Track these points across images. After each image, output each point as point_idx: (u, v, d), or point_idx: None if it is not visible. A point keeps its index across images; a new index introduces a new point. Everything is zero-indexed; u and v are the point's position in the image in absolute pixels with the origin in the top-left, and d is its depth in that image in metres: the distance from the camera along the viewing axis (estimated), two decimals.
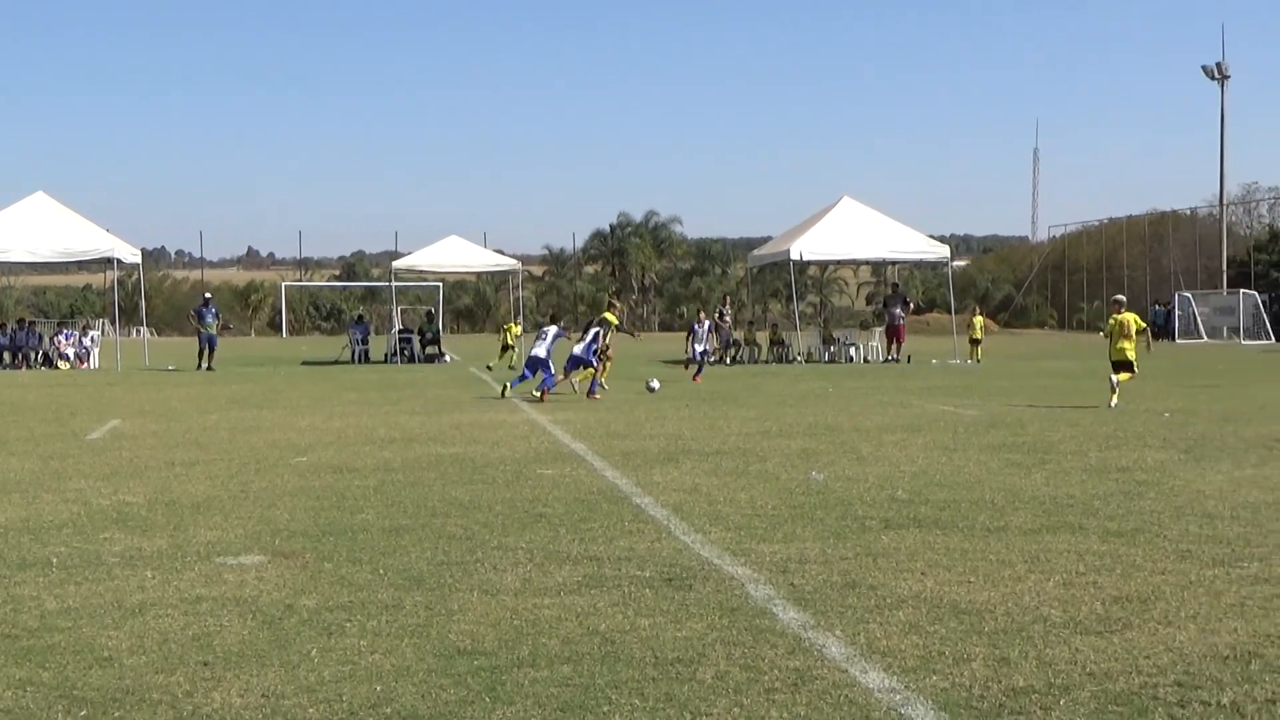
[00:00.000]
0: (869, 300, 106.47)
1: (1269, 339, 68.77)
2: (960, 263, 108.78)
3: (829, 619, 7.87)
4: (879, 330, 48.01)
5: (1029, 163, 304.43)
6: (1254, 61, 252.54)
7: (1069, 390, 29.01)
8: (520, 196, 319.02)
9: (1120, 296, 25.93)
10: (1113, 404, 23.51)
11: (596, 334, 27.25)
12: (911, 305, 50.82)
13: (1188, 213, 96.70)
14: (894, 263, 56.45)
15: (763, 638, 7.44)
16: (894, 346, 45.75)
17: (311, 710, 6.27)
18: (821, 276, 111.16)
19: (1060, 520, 11.31)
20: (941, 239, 52.98)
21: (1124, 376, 24.15)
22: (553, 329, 27.74)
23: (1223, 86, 78.79)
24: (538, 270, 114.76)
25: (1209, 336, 72.94)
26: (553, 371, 26.86)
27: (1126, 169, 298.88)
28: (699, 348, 34.71)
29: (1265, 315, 71.51)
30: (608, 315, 28.93)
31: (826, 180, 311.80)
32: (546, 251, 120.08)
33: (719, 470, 14.90)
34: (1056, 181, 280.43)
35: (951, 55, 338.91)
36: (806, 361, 45.85)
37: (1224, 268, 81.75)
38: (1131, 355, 24.22)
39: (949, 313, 57.76)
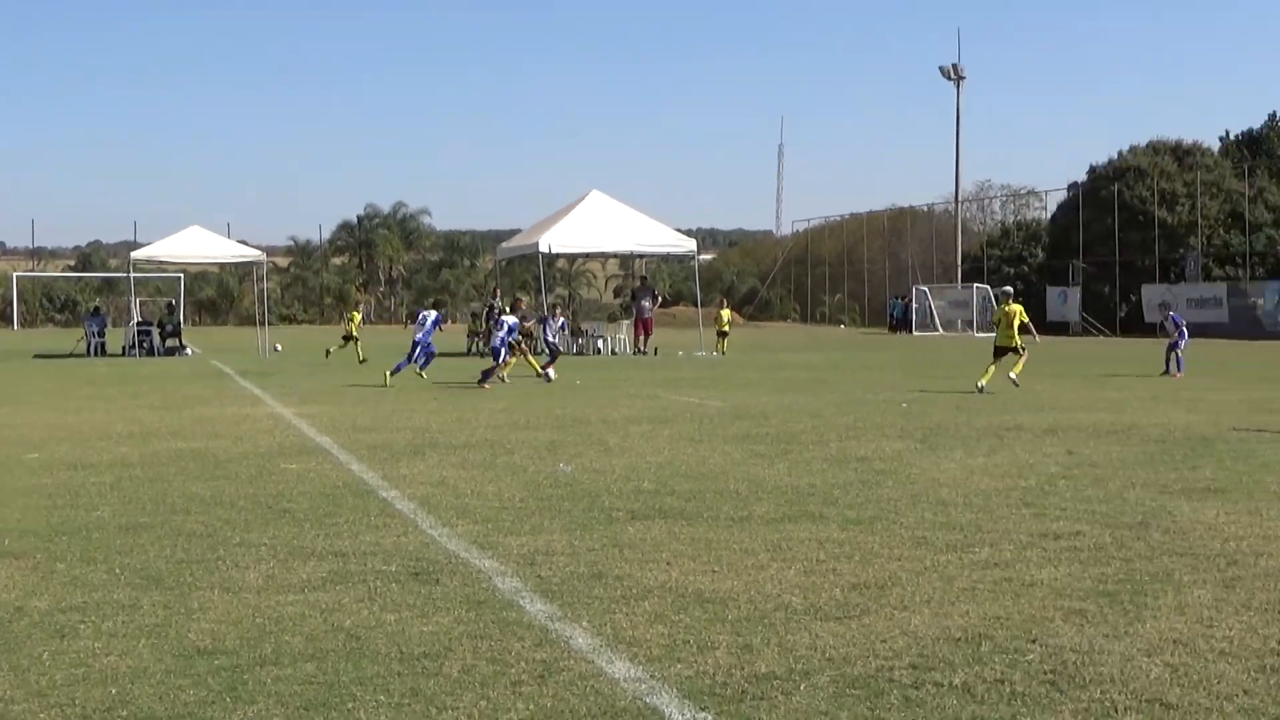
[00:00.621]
0: (617, 293, 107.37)
1: None
2: (707, 256, 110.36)
3: (575, 610, 7.90)
4: (627, 323, 48.37)
5: (774, 158, 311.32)
6: (988, 64, 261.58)
7: (813, 383, 29.67)
8: (265, 187, 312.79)
9: (1008, 288, 28.73)
10: (981, 386, 25.51)
11: (512, 326, 28.69)
12: (659, 298, 51.33)
13: (925, 209, 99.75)
14: (642, 256, 56.98)
15: (510, 630, 7.43)
16: (641, 339, 46.16)
17: (42, 715, 6.05)
18: (570, 269, 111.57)
19: (802, 509, 11.56)
20: (689, 232, 53.67)
21: (1002, 364, 26.32)
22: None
23: (958, 87, 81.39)
24: (283, 261, 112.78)
25: (944, 329, 75.36)
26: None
27: (869, 166, 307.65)
28: (552, 339, 34.42)
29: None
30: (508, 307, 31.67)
31: (575, 174, 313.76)
32: (292, 243, 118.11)
33: (466, 463, 14.85)
34: (801, 177, 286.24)
35: (697, 51, 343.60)
36: None
37: (958, 262, 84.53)
38: (1015, 342, 26.21)
39: (696, 305, 58.53)
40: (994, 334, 27.10)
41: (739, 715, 6.04)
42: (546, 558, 9.42)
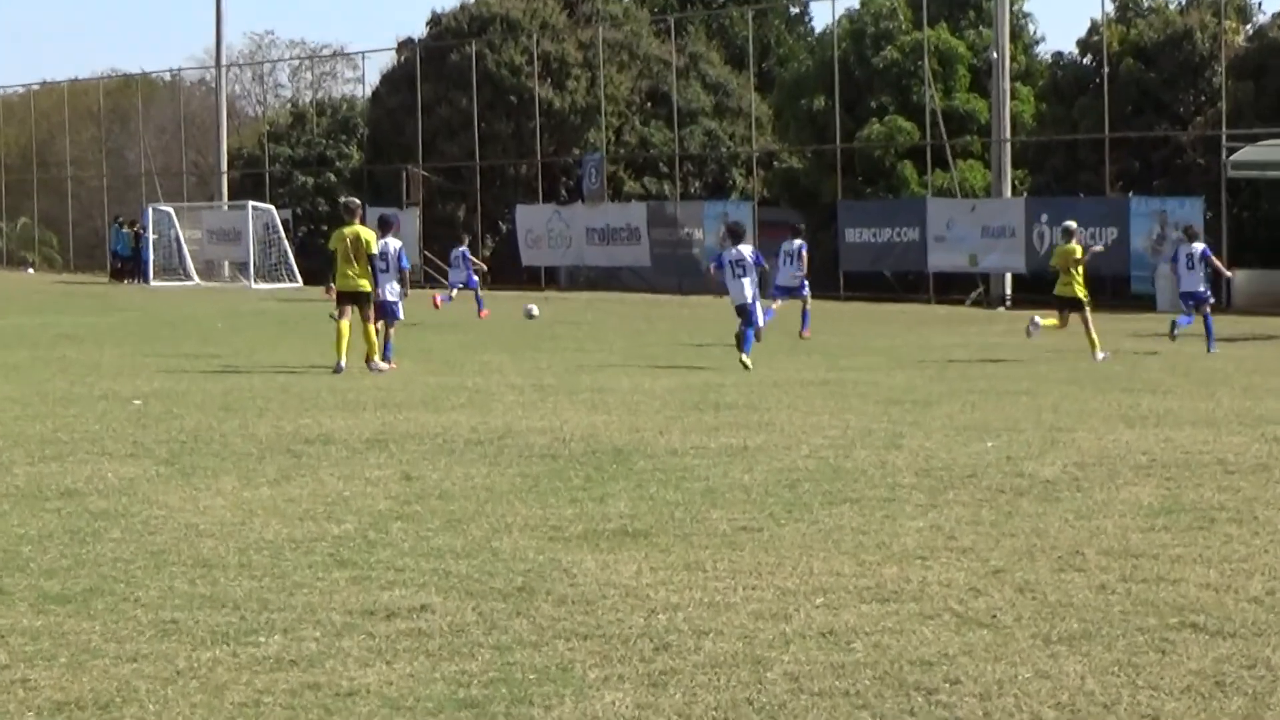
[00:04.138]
0: None
1: (294, 281, 71.62)
2: None
3: None
4: None
5: None
6: None
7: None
8: None
9: (1070, 223, 34.71)
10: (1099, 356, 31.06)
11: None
12: None
13: (169, 78, 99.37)
14: None
15: None
16: None
17: None
18: None
19: None
20: None
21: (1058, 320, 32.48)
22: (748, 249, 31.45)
23: None
24: None
25: (202, 277, 75.23)
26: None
27: (69, 4, 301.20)
28: None
29: (285, 234, 73.75)
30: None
31: None
32: None
33: None
34: None
35: None
36: None
37: (223, 167, 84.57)
38: (1079, 291, 31.85)
39: None
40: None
41: None
42: None
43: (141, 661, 9.30)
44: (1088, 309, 31.97)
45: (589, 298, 53.13)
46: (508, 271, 71.80)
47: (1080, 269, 32.21)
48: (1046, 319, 32.46)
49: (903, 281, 62.02)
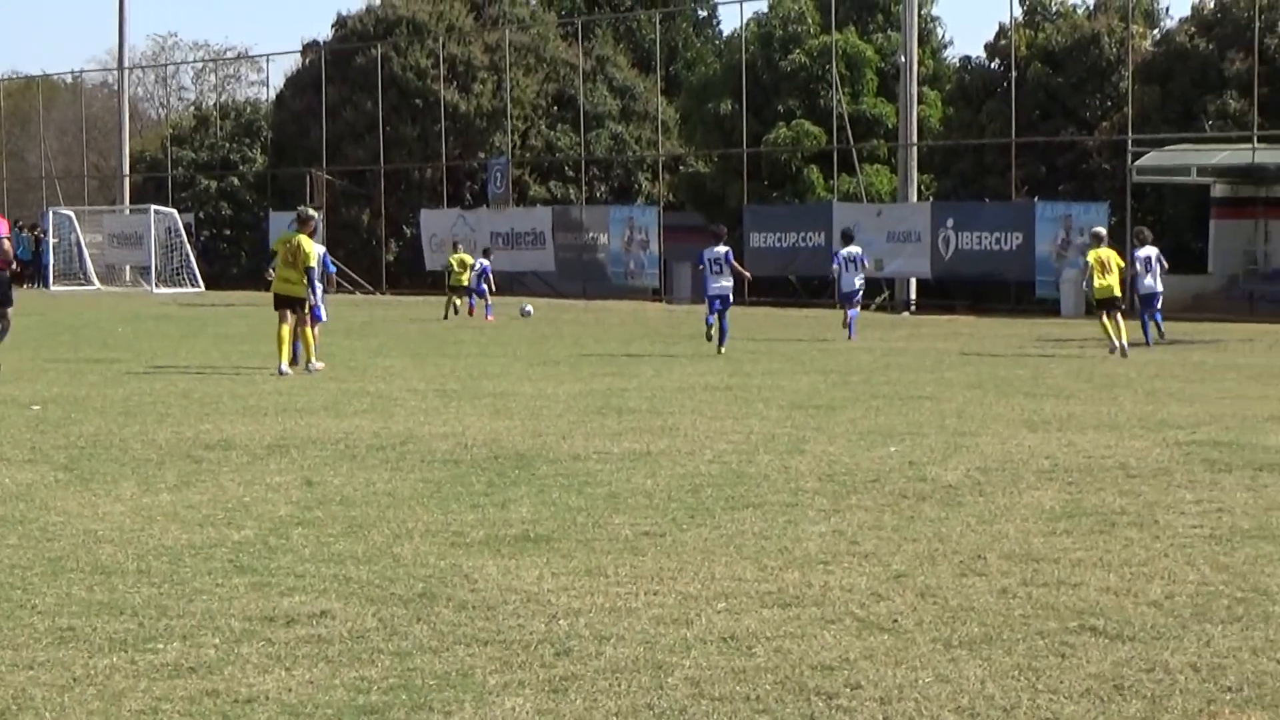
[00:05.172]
0: None
1: (196, 285, 71.69)
2: None
3: None
4: None
5: None
6: None
7: None
8: None
9: (1100, 229, 39.24)
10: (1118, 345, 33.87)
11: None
12: None
13: (70, 80, 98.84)
14: None
15: None
16: None
17: None
18: None
19: None
20: None
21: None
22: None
23: None
24: None
25: (103, 281, 75.00)
26: None
27: None
28: None
29: (187, 238, 73.87)
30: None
31: None
32: None
33: None
34: None
35: None
36: None
37: (125, 169, 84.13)
38: (1118, 291, 35.42)
39: None
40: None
41: None
42: None
43: (38, 669, 9.26)
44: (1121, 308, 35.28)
45: (493, 302, 53.14)
46: (412, 276, 71.86)
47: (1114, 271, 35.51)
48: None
49: (808, 286, 62.05)
